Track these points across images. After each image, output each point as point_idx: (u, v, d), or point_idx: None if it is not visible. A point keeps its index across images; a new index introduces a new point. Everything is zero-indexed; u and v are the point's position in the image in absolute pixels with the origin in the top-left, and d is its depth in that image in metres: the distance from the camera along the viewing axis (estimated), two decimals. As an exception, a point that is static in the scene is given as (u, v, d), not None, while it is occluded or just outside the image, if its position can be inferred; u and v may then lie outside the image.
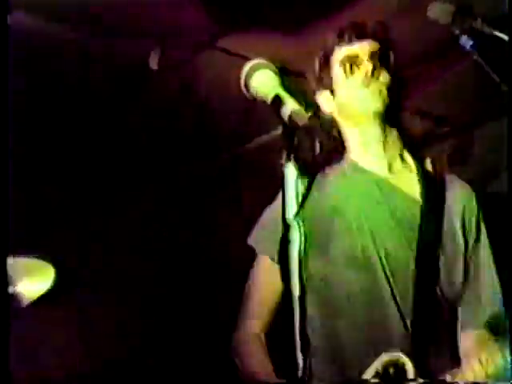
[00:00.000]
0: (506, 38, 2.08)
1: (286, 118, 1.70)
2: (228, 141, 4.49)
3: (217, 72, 3.98)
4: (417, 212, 2.38)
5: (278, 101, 1.74)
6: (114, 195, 4.88)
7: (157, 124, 4.45)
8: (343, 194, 2.42)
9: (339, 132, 2.50)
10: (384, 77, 2.41)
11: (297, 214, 1.58)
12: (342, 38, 2.46)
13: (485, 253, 2.42)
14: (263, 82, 1.80)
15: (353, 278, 2.32)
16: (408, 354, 2.16)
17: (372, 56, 2.42)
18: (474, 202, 2.45)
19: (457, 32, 2.16)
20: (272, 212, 2.46)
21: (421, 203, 2.40)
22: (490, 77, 2.09)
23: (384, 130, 2.42)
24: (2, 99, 2.22)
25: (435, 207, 2.40)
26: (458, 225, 2.41)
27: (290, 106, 1.71)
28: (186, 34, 3.82)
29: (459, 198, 2.44)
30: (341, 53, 2.46)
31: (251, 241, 2.52)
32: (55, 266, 3.57)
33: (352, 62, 2.42)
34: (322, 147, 2.28)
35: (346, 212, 2.37)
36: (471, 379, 2.13)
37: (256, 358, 2.41)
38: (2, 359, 2.10)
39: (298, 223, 1.58)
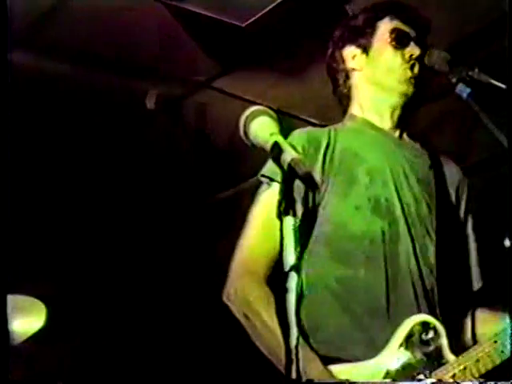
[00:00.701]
0: (503, 86, 2.09)
1: (285, 165, 1.68)
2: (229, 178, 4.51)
3: (215, 111, 4.00)
4: (430, 173, 2.41)
5: (277, 148, 1.72)
6: (113, 233, 4.89)
7: (154, 161, 4.46)
8: (362, 144, 2.37)
9: (349, 88, 2.47)
10: (421, 67, 2.39)
11: (294, 265, 1.56)
12: (399, 14, 2.43)
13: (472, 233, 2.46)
14: (262, 129, 1.79)
15: (377, 225, 2.25)
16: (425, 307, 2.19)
17: (420, 44, 2.40)
18: (466, 183, 2.51)
19: (454, 80, 2.17)
20: None
21: (430, 164, 2.42)
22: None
23: (399, 110, 2.41)
24: (1, 138, 2.22)
25: (440, 174, 2.44)
26: (453, 196, 2.45)
27: (290, 153, 1.69)
28: (184, 73, 3.84)
29: (455, 173, 2.50)
30: (392, 23, 2.44)
31: (266, 171, 2.28)
32: (47, 304, 3.54)
33: (402, 37, 2.41)
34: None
35: (368, 161, 2.33)
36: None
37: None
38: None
39: (298, 274, 1.56)
